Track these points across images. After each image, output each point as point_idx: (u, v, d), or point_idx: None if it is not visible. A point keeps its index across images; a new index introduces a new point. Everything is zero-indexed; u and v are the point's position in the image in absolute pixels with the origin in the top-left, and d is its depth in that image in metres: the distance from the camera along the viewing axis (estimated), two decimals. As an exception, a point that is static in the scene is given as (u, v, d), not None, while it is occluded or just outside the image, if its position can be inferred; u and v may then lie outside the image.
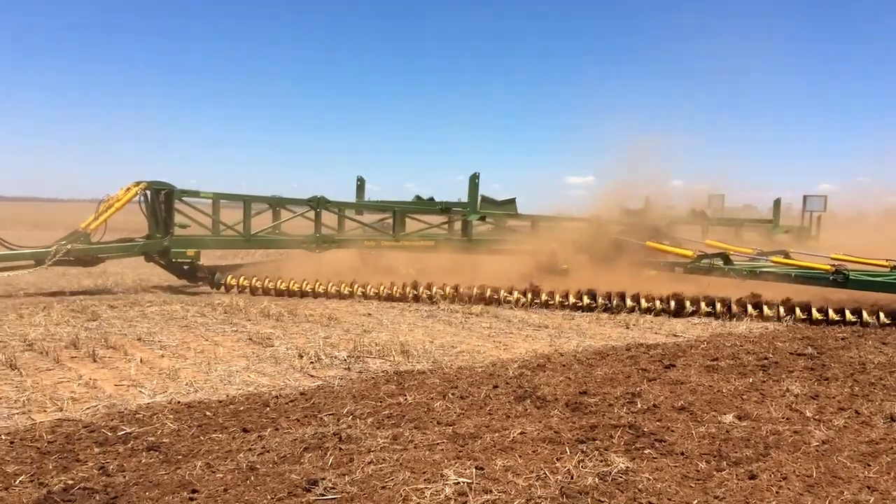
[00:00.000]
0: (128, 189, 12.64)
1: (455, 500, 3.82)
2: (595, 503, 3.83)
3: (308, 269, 13.47)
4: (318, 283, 12.32)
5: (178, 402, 5.60)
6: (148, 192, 12.67)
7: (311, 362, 7.12)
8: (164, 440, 4.67)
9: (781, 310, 10.27)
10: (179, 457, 4.38)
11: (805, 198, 22.73)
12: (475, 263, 14.99)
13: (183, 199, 13.18)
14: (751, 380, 6.70)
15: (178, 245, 12.94)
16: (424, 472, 4.19)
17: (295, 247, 14.73)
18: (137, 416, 5.20)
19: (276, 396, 5.83)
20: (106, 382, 6.21)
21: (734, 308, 10.44)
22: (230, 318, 9.71)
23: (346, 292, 12.17)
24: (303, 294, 12.32)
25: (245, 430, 4.91)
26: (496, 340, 8.61)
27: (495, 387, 6.22)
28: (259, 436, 4.79)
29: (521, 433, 4.94)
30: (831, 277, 10.89)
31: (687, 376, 6.76)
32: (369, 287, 12.19)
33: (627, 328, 9.71)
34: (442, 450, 4.60)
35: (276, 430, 4.94)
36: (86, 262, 12.68)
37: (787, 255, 13.16)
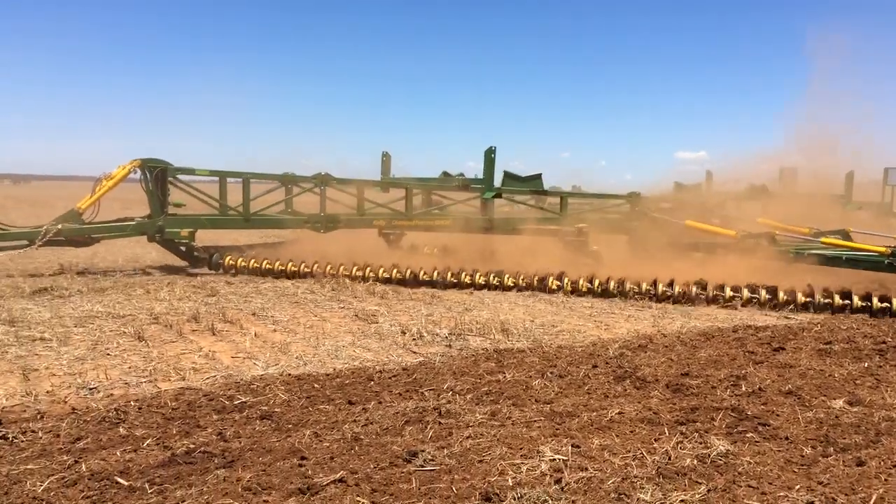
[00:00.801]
0: (123, 167, 12.23)
1: (550, 476, 3.89)
2: (692, 484, 3.82)
3: (330, 250, 12.85)
4: (354, 267, 11.44)
5: (289, 375, 5.90)
6: (147, 171, 12.19)
7: (414, 339, 7.32)
8: (275, 410, 4.95)
9: (832, 299, 9.19)
10: (290, 426, 4.65)
11: (886, 171, 21.16)
12: (501, 244, 14.14)
13: (177, 176, 12.61)
14: (866, 364, 6.42)
15: (172, 225, 12.34)
16: (521, 448, 4.28)
17: (298, 226, 13.86)
18: (252, 386, 5.52)
19: (380, 371, 6.05)
20: (223, 354, 6.61)
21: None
22: (337, 296, 10.07)
23: (397, 276, 11.25)
24: (333, 276, 11.42)
25: (350, 403, 5.14)
26: (597, 320, 8.57)
27: (595, 366, 6.22)
28: (363, 408, 5.01)
29: (619, 413, 4.95)
30: (887, 261, 10.05)
31: (797, 360, 6.54)
32: (422, 271, 11.17)
33: (736, 309, 9.43)
34: (539, 427, 4.67)
35: (380, 403, 5.15)
36: (78, 242, 12.35)
37: (846, 236, 12.13)
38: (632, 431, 4.61)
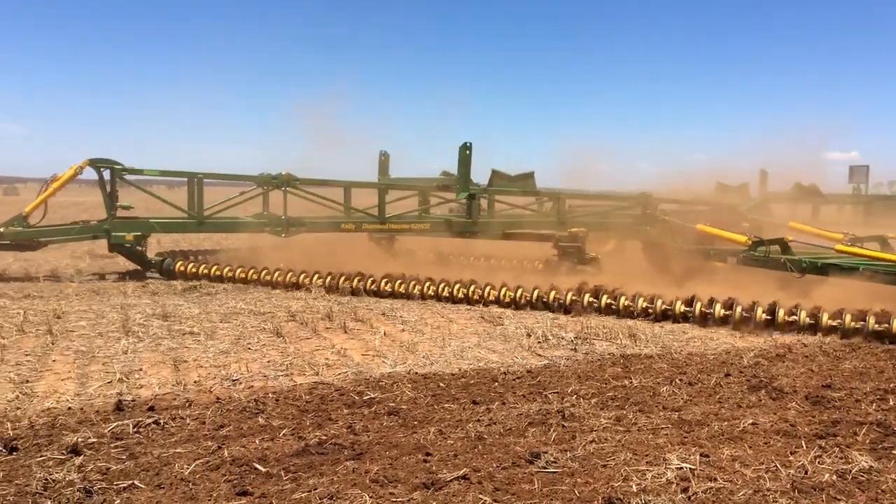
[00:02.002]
0: (72, 168, 11.72)
1: (677, 484, 3.80)
2: (830, 500, 3.62)
3: (317, 255, 12.19)
4: (371, 279, 10.30)
5: (416, 373, 6.05)
6: (97, 171, 11.71)
7: (539, 342, 7.31)
8: (402, 406, 5.10)
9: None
10: (415, 422, 4.77)
11: None
12: (492, 249, 13.40)
13: (125, 177, 11.98)
14: None
15: (119, 228, 11.65)
16: (647, 455, 4.20)
17: (257, 230, 12.86)
18: (380, 383, 5.71)
19: (504, 373, 6.09)
20: (354, 352, 6.86)
21: None
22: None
23: (401, 291, 10.08)
24: (297, 285, 10.65)
25: (474, 403, 5.21)
26: (732, 331, 8.23)
27: (727, 375, 6.00)
28: (487, 408, 5.06)
29: (752, 424, 4.75)
30: None
31: (955, 375, 6.04)
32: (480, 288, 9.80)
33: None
34: (666, 434, 4.56)
35: (503, 404, 5.19)
36: (24, 246, 11.84)
37: (884, 243, 10.80)
38: (766, 443, 4.42)
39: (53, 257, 13.93)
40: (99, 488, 3.68)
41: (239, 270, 11.28)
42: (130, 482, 3.76)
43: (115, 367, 6.13)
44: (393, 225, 13.31)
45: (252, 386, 5.64)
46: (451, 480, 3.80)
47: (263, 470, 3.94)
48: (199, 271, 11.53)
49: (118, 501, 3.56)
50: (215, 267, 11.60)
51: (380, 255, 13.71)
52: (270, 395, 5.35)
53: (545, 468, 3.99)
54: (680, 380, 5.83)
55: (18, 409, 5.00)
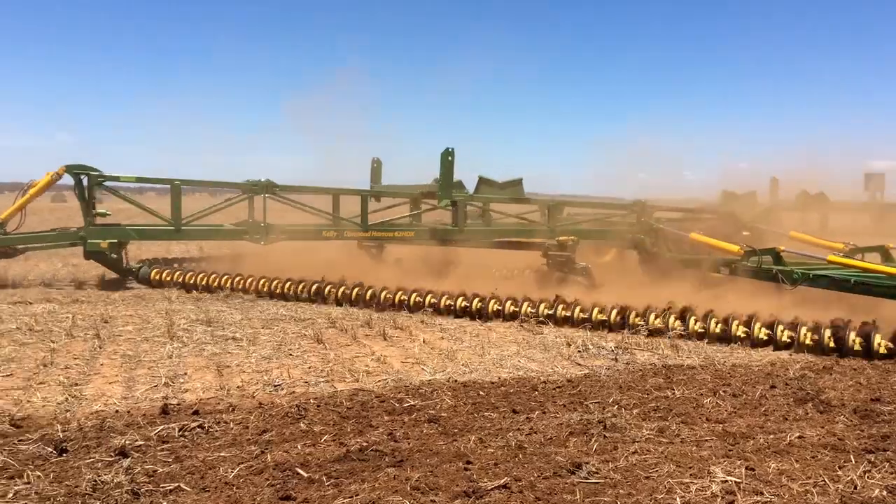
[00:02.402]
0: (49, 174, 11.66)
1: (722, 498, 3.74)
2: (882, 518, 3.53)
3: (311, 262, 11.84)
4: (385, 290, 9.81)
5: (455, 381, 6.06)
6: (74, 178, 11.62)
7: (579, 351, 7.27)
8: (442, 414, 5.10)
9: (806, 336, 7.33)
10: (456, 430, 4.77)
11: None
12: (482, 257, 12.95)
13: (103, 184, 11.79)
14: None
15: (94, 235, 11.52)
16: (691, 468, 4.14)
17: (236, 238, 12.71)
18: (420, 390, 5.72)
19: (544, 382, 6.06)
20: (394, 359, 6.89)
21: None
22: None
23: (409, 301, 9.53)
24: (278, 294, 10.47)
25: (514, 412, 5.19)
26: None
27: (772, 387, 5.89)
28: (527, 417, 5.05)
29: (799, 437, 4.66)
30: None
31: None
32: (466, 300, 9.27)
33: None
34: (710, 447, 4.50)
35: (544, 413, 5.16)
36: (1, 253, 11.69)
37: (885, 255, 10.31)
38: (813, 457, 4.33)
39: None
40: (146, 490, 3.75)
41: (226, 278, 10.99)
42: (176, 485, 3.82)
43: (160, 371, 6.25)
44: (375, 233, 13.08)
45: (294, 392, 5.70)
46: (491, 489, 3.79)
47: (306, 475, 3.98)
48: (174, 279, 11.37)
49: (165, 502, 3.62)
50: (190, 275, 11.35)
51: (371, 263, 13.40)
52: (312, 400, 5.40)
53: (587, 479, 3.96)
54: (724, 391, 5.74)
55: (68, 411, 5.12)
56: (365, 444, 4.47)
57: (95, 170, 11.66)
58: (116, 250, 11.81)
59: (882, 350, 6.90)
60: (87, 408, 5.21)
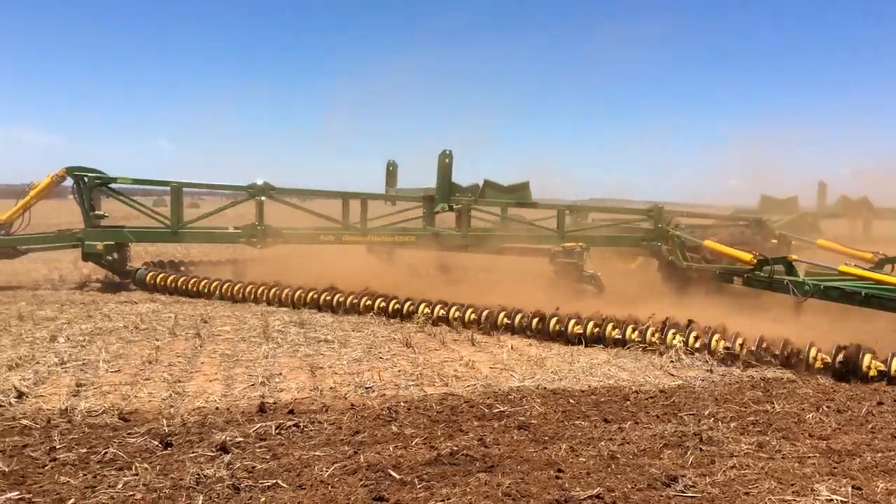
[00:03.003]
0: (50, 176, 11.71)
1: (827, 518, 3.58)
2: None
3: (323, 269, 11.58)
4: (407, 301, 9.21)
5: (545, 388, 6.02)
6: (75, 180, 11.65)
7: (672, 361, 7.09)
8: (532, 421, 5.08)
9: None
10: (546, 438, 4.74)
11: None
12: (492, 262, 12.59)
13: (99, 186, 11.77)
14: None
15: (92, 237, 11.53)
16: (793, 485, 3.98)
17: (233, 241, 12.60)
18: (509, 396, 5.71)
19: (636, 391, 5.95)
20: (482, 364, 6.90)
21: None
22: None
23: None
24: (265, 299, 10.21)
25: (606, 421, 5.11)
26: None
27: (880, 403, 5.61)
28: (619, 427, 4.96)
29: (911, 457, 4.42)
30: None
31: None
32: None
33: None
34: (813, 463, 4.32)
35: (636, 423, 5.07)
36: (3, 253, 11.88)
37: None
38: (927, 479, 4.09)
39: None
40: (246, 486, 3.87)
41: (226, 285, 10.74)
42: (274, 481, 3.94)
43: (257, 370, 6.45)
44: (374, 237, 12.65)
45: (384, 394, 5.78)
46: (584, 499, 3.75)
47: (398, 477, 4.03)
48: (168, 283, 11.19)
49: (263, 499, 3.73)
50: (183, 280, 11.19)
51: (382, 268, 13.09)
52: (402, 404, 5.47)
53: (683, 492, 3.87)
54: (827, 407, 5.50)
55: (171, 407, 5.35)
56: (455, 448, 4.49)
57: (96, 171, 11.75)
58: (114, 252, 11.79)
59: None
60: (189, 404, 5.43)
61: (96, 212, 11.75)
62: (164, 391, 5.73)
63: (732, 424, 5.06)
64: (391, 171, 14.30)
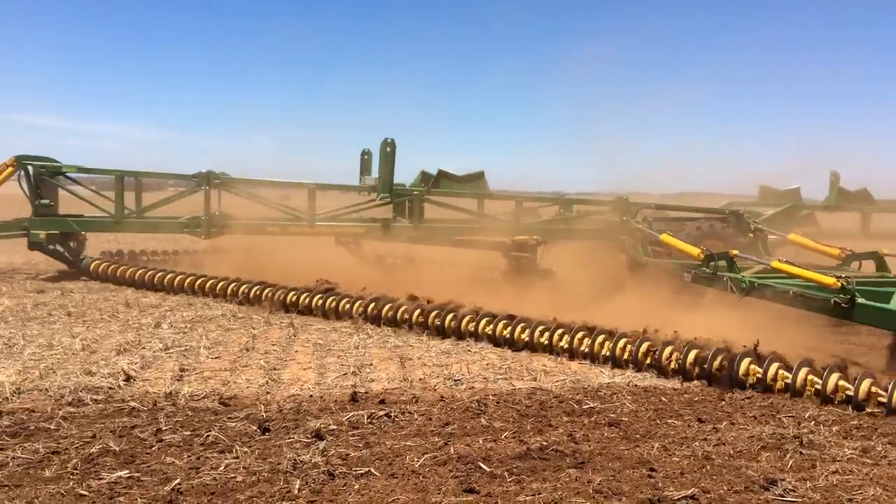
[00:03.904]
0: (3, 164, 11.61)
1: (940, 530, 3.40)
2: None
3: (292, 260, 11.49)
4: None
5: (636, 385, 5.93)
6: (23, 169, 11.57)
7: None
8: (623, 418, 5.01)
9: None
10: (637, 436, 4.67)
11: None
12: (450, 254, 11.93)
13: (44, 175, 11.66)
14: None
15: (38, 226, 11.50)
16: (901, 493, 3.80)
17: (177, 231, 12.43)
18: (599, 393, 5.65)
19: (732, 392, 5.78)
20: (571, 360, 6.84)
21: None
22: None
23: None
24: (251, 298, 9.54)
25: (700, 420, 5.00)
26: None
27: None
28: (714, 427, 4.84)
29: None
30: (833, 300, 6.78)
31: None
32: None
33: None
34: (924, 472, 4.10)
35: (732, 424, 4.93)
36: None
37: (880, 261, 8.93)
38: None
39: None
40: (340, 472, 3.97)
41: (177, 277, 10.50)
42: (367, 469, 4.02)
43: (348, 360, 6.60)
44: (323, 228, 12.23)
45: (473, 387, 5.82)
46: (678, 499, 3.68)
47: (488, 469, 4.05)
48: (109, 273, 11.20)
49: (357, 486, 3.82)
50: (123, 268, 11.21)
51: (351, 261, 12.40)
52: (491, 397, 5.49)
53: (782, 496, 3.75)
54: (939, 413, 5.21)
55: (268, 393, 5.54)
56: (545, 443, 4.48)
57: (47, 160, 11.79)
58: (70, 241, 12.03)
59: None
60: (284, 391, 5.61)
61: (41, 201, 11.66)
62: (261, 378, 5.94)
63: (834, 428, 4.86)
64: (365, 160, 13.39)
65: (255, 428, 4.66)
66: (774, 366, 5.79)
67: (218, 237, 12.44)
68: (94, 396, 5.30)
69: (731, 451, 4.39)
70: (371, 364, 6.52)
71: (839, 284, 6.73)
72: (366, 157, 13.10)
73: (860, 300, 6.66)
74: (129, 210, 11.94)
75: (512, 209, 12.71)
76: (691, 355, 6.18)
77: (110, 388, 5.51)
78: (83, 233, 12.43)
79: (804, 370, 5.63)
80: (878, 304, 6.67)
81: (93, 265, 11.52)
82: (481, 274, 11.72)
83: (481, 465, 4.11)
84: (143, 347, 6.89)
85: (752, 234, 11.24)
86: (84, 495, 3.65)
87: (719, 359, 6.00)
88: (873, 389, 5.28)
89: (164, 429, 4.64)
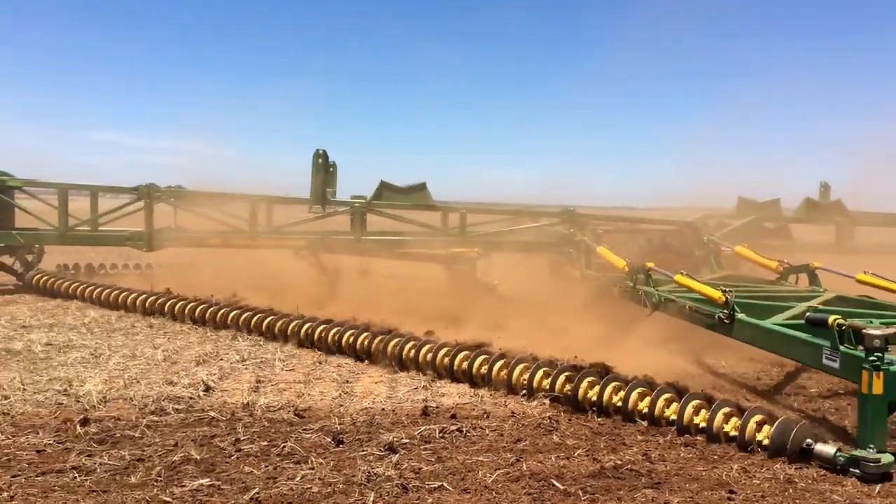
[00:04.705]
0: None
1: None
2: None
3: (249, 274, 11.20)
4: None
5: (712, 405, 5.77)
6: None
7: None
8: (699, 438, 4.89)
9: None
10: (715, 456, 4.56)
11: None
12: (403, 268, 11.75)
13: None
14: None
15: None
16: None
17: (120, 244, 12.34)
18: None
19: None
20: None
21: None
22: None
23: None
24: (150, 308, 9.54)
25: (781, 442, 4.84)
26: None
27: None
28: (796, 450, 4.68)
29: None
30: (717, 315, 6.16)
31: None
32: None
33: None
34: None
35: (815, 446, 4.76)
36: None
37: (811, 275, 8.46)
38: None
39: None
40: (413, 486, 4.00)
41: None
42: (440, 483, 4.04)
43: (419, 375, 6.62)
44: (265, 241, 12.03)
45: (545, 403, 5.77)
46: (760, 523, 3.57)
47: (561, 487, 4.02)
48: (43, 285, 11.35)
49: (430, 500, 3.84)
50: (70, 283, 11.20)
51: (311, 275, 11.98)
52: (563, 414, 5.44)
53: (871, 523, 3.60)
54: None
55: (341, 406, 5.62)
56: (619, 462, 4.42)
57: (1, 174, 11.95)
58: (14, 254, 12.29)
59: None
60: (357, 404, 5.68)
61: None
62: (334, 390, 6.03)
63: (926, 453, 4.64)
64: (331, 172, 12.99)
65: (329, 440, 4.74)
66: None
67: (164, 250, 12.48)
68: (176, 406, 5.47)
69: (815, 475, 4.24)
70: (442, 378, 6.54)
71: (724, 299, 6.20)
72: (331, 168, 12.69)
73: (739, 315, 6.04)
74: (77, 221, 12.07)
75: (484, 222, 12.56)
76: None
77: (190, 398, 5.68)
78: (36, 246, 12.69)
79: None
80: (753, 321, 5.93)
81: (34, 279, 11.67)
82: (430, 287, 11.31)
83: (554, 482, 4.08)
84: (221, 359, 7.08)
85: (700, 252, 10.76)
86: (168, 502, 3.77)
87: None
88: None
89: (242, 439, 4.76)
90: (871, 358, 4.36)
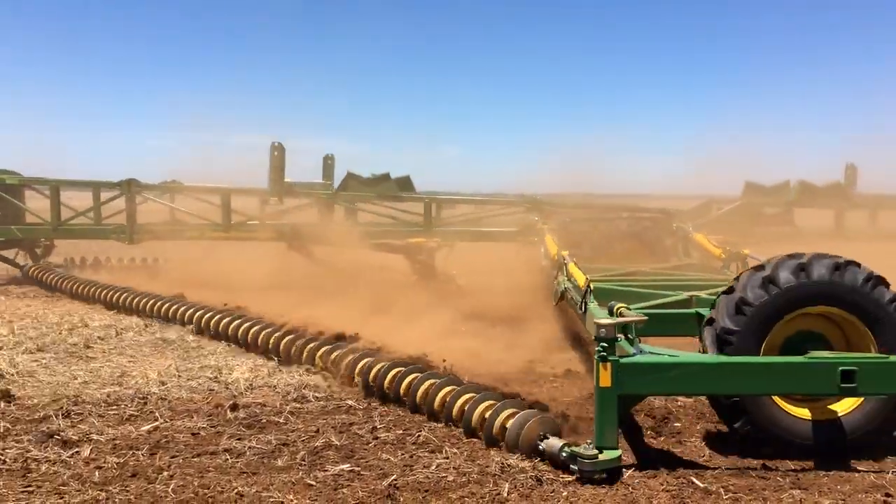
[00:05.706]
0: None
1: None
2: None
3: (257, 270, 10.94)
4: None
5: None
6: None
7: None
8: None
9: None
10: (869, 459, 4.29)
11: None
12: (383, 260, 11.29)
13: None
14: None
15: None
16: None
17: (105, 237, 12.75)
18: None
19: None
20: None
21: None
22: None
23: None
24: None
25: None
26: None
27: None
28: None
29: None
30: (581, 301, 5.70)
31: None
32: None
33: None
34: None
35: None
36: None
37: (743, 263, 7.25)
38: None
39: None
40: (547, 478, 3.99)
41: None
42: (573, 477, 4.01)
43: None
44: (237, 233, 12.22)
45: (677, 399, 5.60)
46: (923, 530, 3.34)
47: (701, 485, 3.91)
48: (35, 276, 12.03)
49: (565, 493, 3.82)
50: (42, 273, 11.95)
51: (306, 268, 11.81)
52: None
53: None
54: None
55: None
56: (768, 463, 4.24)
57: (8, 173, 12.80)
58: (26, 248, 13.18)
59: None
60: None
61: None
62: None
63: None
64: (328, 165, 13.17)
65: (461, 430, 4.80)
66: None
67: (169, 244, 13.16)
68: (316, 394, 5.71)
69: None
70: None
71: (585, 286, 5.74)
72: (328, 161, 13.12)
73: (591, 304, 5.38)
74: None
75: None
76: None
77: (329, 387, 5.91)
78: (43, 240, 13.66)
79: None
80: (591, 307, 5.29)
81: (30, 271, 12.57)
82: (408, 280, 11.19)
83: (694, 480, 3.97)
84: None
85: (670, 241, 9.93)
86: (312, 485, 3.95)
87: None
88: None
89: (378, 427, 4.91)
90: (598, 348, 4.08)
